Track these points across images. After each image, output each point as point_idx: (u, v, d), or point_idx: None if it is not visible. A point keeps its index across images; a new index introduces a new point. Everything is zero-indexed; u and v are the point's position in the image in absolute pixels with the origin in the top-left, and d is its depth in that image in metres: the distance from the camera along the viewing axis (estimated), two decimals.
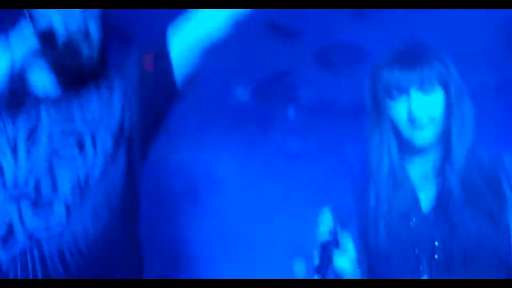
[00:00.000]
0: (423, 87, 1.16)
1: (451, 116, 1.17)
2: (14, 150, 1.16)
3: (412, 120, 1.16)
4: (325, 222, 1.13)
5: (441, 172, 1.20)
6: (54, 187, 1.14)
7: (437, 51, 1.23)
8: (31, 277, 1.10)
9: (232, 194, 3.10)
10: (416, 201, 1.19)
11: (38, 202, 1.12)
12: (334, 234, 1.10)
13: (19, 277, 1.12)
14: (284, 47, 2.71)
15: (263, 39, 2.67)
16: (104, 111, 1.22)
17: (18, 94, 1.21)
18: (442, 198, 1.18)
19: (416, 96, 1.16)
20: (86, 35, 1.18)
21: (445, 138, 1.20)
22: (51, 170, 1.14)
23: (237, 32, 1.26)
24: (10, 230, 1.12)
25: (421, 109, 1.15)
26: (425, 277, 1.14)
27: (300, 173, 3.07)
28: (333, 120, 3.12)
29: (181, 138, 2.99)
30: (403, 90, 1.15)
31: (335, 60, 2.80)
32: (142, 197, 1.36)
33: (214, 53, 1.29)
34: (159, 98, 1.26)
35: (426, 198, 1.20)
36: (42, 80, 1.24)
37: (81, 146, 1.17)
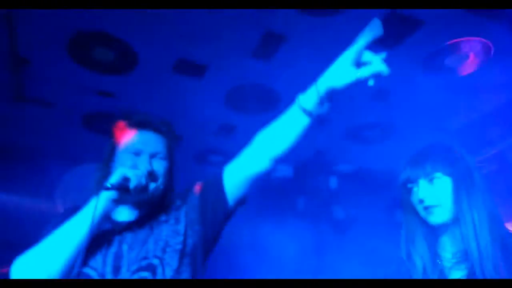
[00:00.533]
0: (428, 178, 1.40)
1: (461, 198, 1.38)
2: (103, 275, 1.37)
3: (421, 203, 1.40)
4: None
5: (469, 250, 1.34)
6: None
7: (447, 148, 1.46)
8: None
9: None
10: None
11: None
12: None
13: None
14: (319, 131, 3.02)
15: None
16: (172, 236, 1.43)
17: (105, 232, 1.43)
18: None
19: (423, 185, 1.41)
20: (151, 173, 1.41)
21: (461, 217, 1.38)
22: None
23: None
24: None
25: (427, 194, 1.39)
26: None
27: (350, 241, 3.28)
28: (368, 186, 3.40)
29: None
30: (414, 182, 1.42)
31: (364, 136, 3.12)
32: None
33: None
34: (215, 220, 1.46)
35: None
36: (122, 215, 1.47)
37: (153, 271, 1.38)
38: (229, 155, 1.43)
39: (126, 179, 1.35)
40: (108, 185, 1.32)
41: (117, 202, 1.36)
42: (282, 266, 3.48)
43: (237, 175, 1.44)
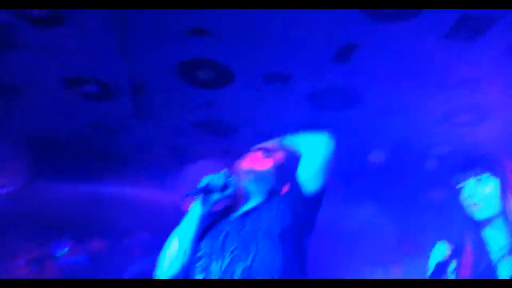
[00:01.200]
0: (476, 179, 1.54)
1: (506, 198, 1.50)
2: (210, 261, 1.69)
3: (468, 200, 1.55)
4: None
5: None
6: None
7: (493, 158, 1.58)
8: None
9: None
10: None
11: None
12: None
13: None
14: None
15: None
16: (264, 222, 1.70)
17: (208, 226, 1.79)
18: None
19: (469, 185, 1.54)
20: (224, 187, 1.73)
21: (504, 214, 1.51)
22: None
23: None
24: None
25: (472, 193, 1.53)
26: None
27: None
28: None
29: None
30: (462, 182, 1.56)
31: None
32: None
33: None
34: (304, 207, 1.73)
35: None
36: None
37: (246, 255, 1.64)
38: None
39: (207, 183, 1.69)
40: (194, 190, 1.71)
41: (206, 201, 1.71)
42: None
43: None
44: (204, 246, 1.73)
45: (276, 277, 1.59)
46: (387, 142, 3.49)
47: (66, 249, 3.96)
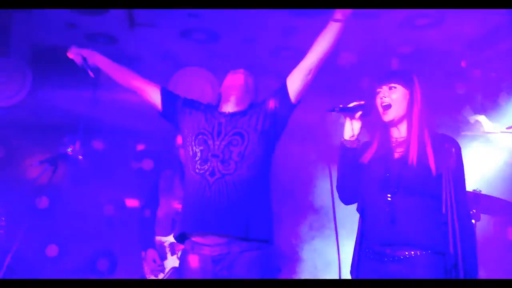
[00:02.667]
0: (389, 86, 1.99)
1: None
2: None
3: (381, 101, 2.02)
4: None
5: None
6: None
7: None
8: None
9: None
10: None
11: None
12: None
13: None
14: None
15: None
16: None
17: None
18: None
19: (383, 90, 2.02)
20: None
21: None
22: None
23: None
24: None
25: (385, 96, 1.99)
26: None
27: None
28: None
29: None
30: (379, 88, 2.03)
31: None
32: None
33: None
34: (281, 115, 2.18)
35: None
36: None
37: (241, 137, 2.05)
38: None
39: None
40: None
41: None
42: None
43: (296, 78, 2.07)
44: (203, 127, 2.10)
45: (259, 164, 2.01)
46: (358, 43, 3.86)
47: (70, 150, 4.39)
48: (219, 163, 1.99)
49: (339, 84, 3.93)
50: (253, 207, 1.97)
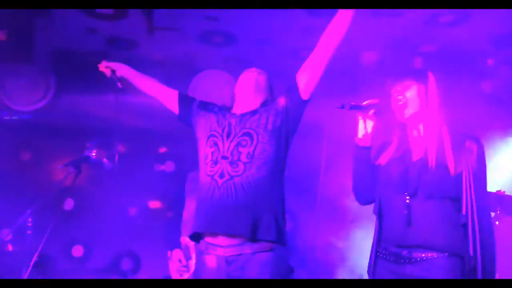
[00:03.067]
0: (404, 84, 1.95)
1: None
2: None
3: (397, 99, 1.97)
4: None
5: None
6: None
7: None
8: None
9: None
10: None
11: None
12: None
13: None
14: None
15: None
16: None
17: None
18: None
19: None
20: None
21: None
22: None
23: None
24: None
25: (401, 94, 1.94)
26: None
27: None
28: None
29: None
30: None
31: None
32: None
33: None
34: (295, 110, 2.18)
35: None
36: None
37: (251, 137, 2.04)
38: None
39: None
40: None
41: None
42: None
43: (306, 73, 2.04)
44: (214, 129, 2.12)
45: (270, 164, 1.99)
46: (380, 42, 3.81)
47: (93, 153, 4.50)
48: (228, 165, 2.00)
49: (362, 84, 3.87)
50: (261, 207, 1.97)
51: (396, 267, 1.90)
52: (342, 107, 1.99)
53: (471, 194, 1.82)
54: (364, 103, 2.00)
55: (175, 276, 3.16)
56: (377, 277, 1.96)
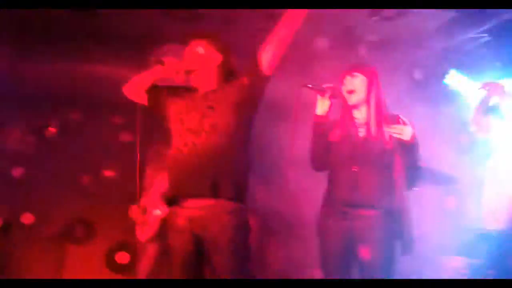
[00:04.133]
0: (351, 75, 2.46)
1: None
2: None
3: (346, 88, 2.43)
4: None
5: None
6: None
7: None
8: None
9: None
10: None
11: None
12: None
13: None
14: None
15: None
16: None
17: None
18: None
19: (347, 79, 2.46)
20: None
21: None
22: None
23: None
24: None
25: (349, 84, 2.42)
26: None
27: None
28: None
29: None
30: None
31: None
32: None
33: None
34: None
35: None
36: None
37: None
38: None
39: None
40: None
41: None
42: None
43: (270, 49, 2.20)
44: (180, 107, 2.31)
45: (231, 133, 2.18)
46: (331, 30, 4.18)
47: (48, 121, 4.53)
48: (192, 135, 2.21)
49: (316, 65, 4.24)
50: (223, 171, 2.18)
51: (343, 223, 2.36)
52: (307, 86, 2.35)
53: (401, 164, 2.35)
54: (324, 85, 2.37)
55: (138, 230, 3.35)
56: (325, 231, 2.37)
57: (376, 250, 2.30)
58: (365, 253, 2.31)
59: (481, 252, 2.90)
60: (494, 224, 2.82)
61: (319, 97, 2.43)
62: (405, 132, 2.29)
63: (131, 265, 4.46)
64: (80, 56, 4.17)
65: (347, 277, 2.35)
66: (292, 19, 2.22)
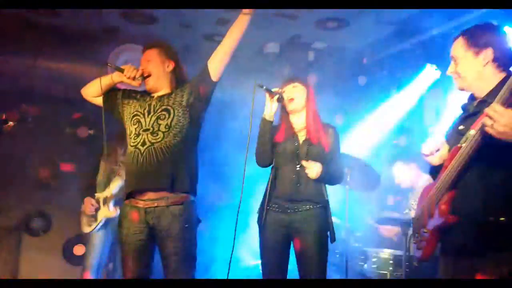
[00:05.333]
0: (292, 85, 2.75)
1: None
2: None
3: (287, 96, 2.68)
4: None
5: None
6: None
7: None
8: None
9: None
10: None
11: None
12: None
13: None
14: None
15: None
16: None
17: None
18: None
19: (288, 88, 2.71)
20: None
21: None
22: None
23: None
24: None
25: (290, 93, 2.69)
26: None
27: None
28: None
29: None
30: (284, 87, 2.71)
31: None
32: None
33: None
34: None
35: None
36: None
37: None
38: None
39: None
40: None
41: None
42: None
43: (217, 58, 2.44)
44: (137, 110, 2.48)
45: (184, 132, 2.39)
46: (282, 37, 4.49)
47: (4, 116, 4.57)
48: (149, 135, 2.38)
49: (266, 68, 4.54)
50: (178, 166, 2.37)
51: (284, 216, 2.61)
52: (261, 86, 2.58)
53: (331, 161, 2.65)
54: (273, 89, 2.63)
55: (84, 225, 3.51)
56: (267, 224, 2.62)
57: (312, 241, 2.55)
58: (301, 244, 2.56)
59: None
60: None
61: (268, 99, 2.64)
62: (312, 170, 2.57)
63: None
64: (38, 53, 4.26)
65: (284, 268, 2.61)
66: (234, 38, 2.48)
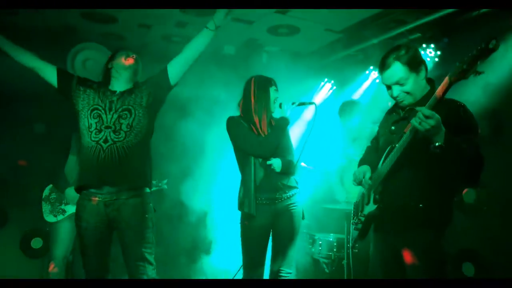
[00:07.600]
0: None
1: None
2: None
3: None
4: None
5: None
6: None
7: None
8: None
9: None
10: None
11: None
12: None
13: None
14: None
15: None
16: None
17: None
18: None
19: None
20: None
21: None
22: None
23: None
24: None
25: None
26: None
27: None
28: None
29: None
30: None
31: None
32: None
33: None
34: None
35: None
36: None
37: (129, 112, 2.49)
38: None
39: None
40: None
41: None
42: None
43: (178, 65, 2.54)
44: (97, 103, 2.51)
45: (143, 132, 2.51)
46: (238, 40, 4.72)
47: None
48: (111, 133, 2.46)
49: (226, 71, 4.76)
50: (137, 164, 2.50)
51: (271, 207, 2.83)
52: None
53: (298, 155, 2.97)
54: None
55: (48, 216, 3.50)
56: (258, 214, 2.80)
57: (294, 225, 2.85)
58: (286, 227, 2.86)
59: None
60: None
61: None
62: (276, 165, 2.82)
63: (44, 250, 4.69)
64: None
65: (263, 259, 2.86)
66: (197, 49, 2.59)
